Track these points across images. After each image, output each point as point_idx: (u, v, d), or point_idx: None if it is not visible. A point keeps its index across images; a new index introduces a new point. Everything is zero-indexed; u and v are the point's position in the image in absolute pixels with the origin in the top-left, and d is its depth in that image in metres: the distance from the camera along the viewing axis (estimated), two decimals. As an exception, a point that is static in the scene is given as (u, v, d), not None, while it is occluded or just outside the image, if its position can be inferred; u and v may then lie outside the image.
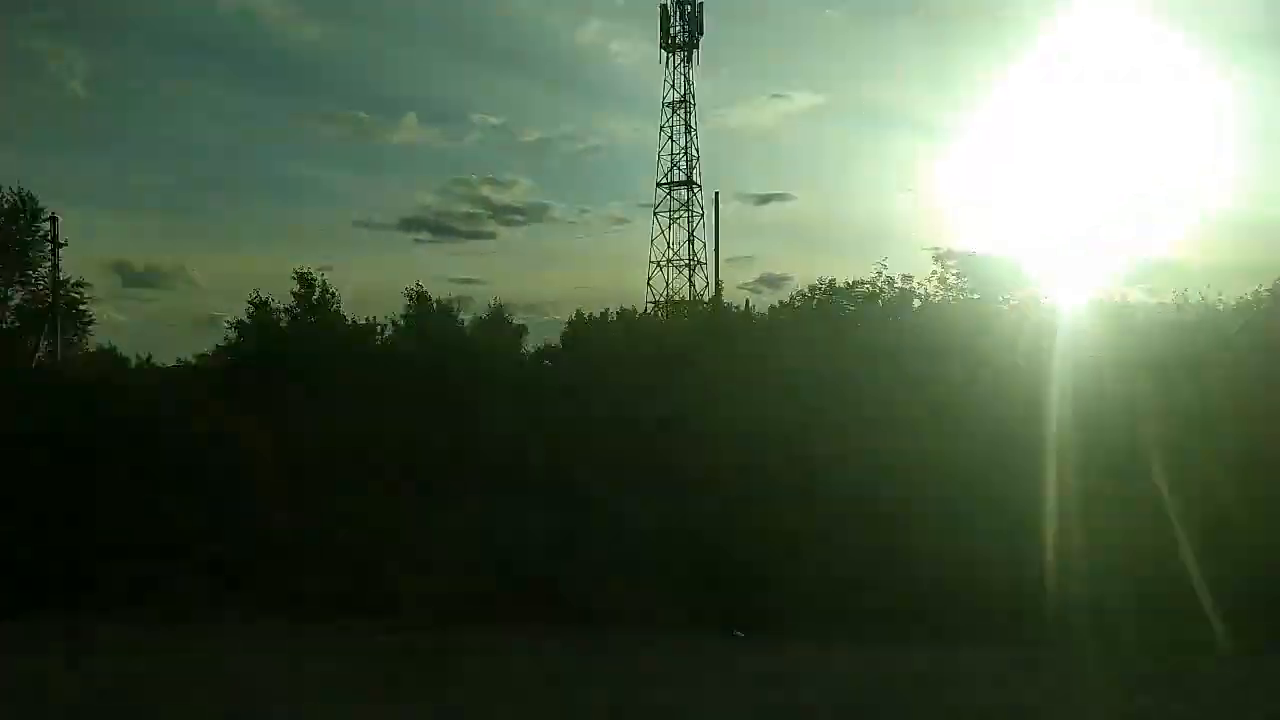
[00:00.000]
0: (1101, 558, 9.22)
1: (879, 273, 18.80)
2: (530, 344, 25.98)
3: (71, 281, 30.98)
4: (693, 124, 56.28)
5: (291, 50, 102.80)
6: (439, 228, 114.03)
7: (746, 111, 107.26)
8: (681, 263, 55.27)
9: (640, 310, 35.33)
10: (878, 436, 11.73)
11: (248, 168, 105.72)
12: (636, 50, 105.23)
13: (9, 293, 30.30)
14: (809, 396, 13.11)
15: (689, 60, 56.37)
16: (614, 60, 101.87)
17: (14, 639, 9.08)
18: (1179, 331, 16.62)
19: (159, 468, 11.91)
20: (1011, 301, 19.36)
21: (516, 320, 27.70)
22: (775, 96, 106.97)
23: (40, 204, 30.46)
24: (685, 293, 53.87)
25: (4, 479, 11.32)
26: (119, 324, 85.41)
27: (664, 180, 56.41)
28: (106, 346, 31.83)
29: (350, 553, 10.21)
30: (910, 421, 12.03)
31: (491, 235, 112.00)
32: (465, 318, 25.02)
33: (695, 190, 56.10)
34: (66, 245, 30.52)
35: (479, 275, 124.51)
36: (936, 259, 23.14)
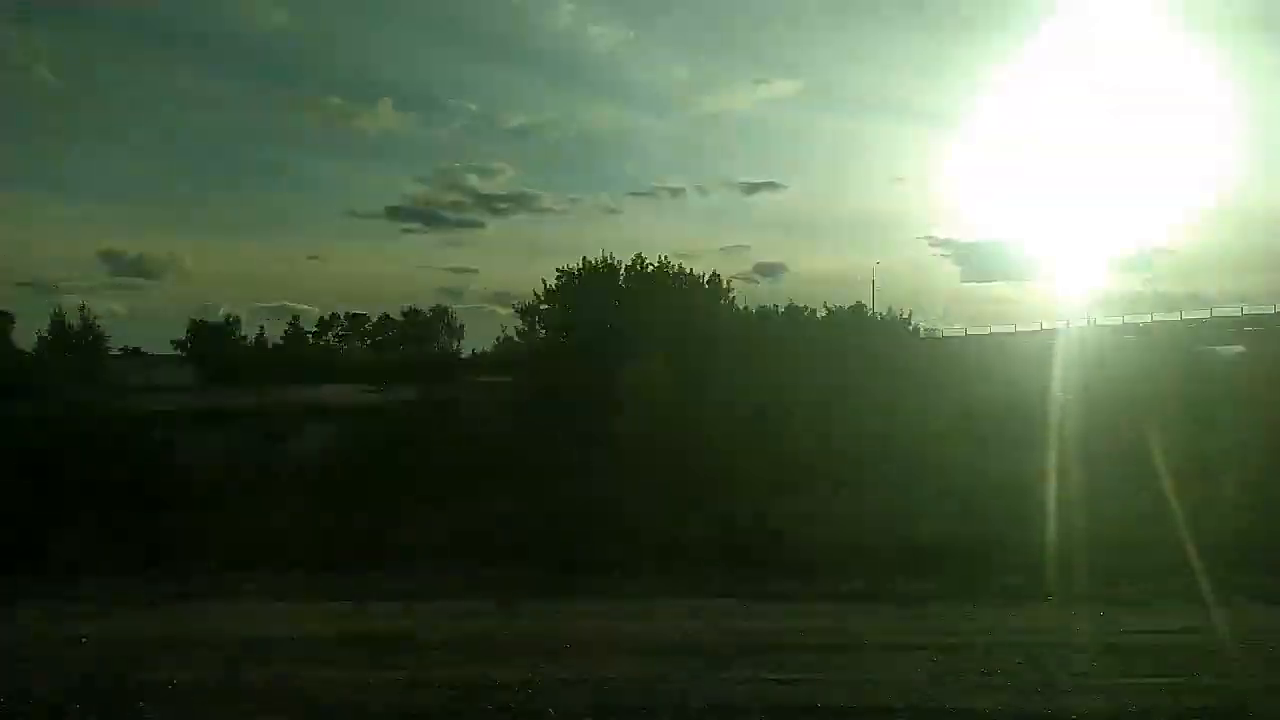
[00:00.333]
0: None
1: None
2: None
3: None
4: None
5: (261, 35, 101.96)
6: (428, 217, 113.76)
7: (727, 98, 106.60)
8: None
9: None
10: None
11: (221, 154, 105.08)
12: (614, 34, 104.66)
13: None
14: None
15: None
16: (592, 43, 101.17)
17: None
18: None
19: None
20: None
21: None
22: (757, 82, 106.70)
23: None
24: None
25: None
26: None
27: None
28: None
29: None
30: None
31: (480, 224, 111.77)
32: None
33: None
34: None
35: (472, 264, 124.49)
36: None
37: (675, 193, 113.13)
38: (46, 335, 56.84)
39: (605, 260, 33.46)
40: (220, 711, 5.53)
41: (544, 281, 34.04)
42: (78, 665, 6.30)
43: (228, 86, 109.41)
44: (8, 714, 5.52)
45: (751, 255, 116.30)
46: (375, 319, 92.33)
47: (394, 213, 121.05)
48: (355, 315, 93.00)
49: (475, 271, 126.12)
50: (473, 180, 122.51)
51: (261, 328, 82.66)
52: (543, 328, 35.31)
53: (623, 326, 29.77)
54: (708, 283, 35.02)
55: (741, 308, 36.09)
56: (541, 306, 34.50)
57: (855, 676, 5.94)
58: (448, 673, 6.06)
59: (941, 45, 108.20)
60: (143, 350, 71.73)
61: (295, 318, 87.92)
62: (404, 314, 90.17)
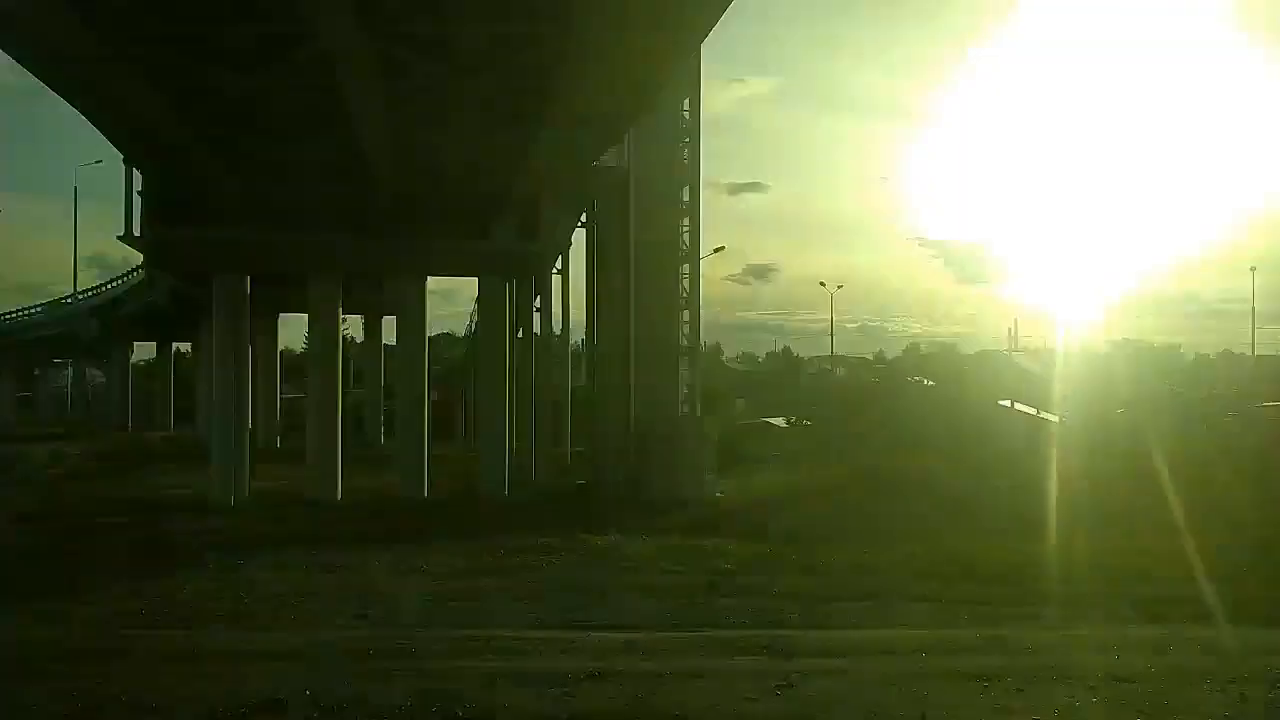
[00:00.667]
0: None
1: None
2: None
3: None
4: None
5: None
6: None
7: (704, 97, 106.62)
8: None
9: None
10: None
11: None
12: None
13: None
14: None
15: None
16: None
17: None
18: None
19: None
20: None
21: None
22: (733, 81, 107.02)
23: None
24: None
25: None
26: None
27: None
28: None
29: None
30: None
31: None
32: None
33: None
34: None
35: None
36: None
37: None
38: None
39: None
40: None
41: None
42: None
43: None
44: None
45: (739, 258, 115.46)
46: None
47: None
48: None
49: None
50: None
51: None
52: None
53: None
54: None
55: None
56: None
57: None
58: None
59: (915, 42, 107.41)
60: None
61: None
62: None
